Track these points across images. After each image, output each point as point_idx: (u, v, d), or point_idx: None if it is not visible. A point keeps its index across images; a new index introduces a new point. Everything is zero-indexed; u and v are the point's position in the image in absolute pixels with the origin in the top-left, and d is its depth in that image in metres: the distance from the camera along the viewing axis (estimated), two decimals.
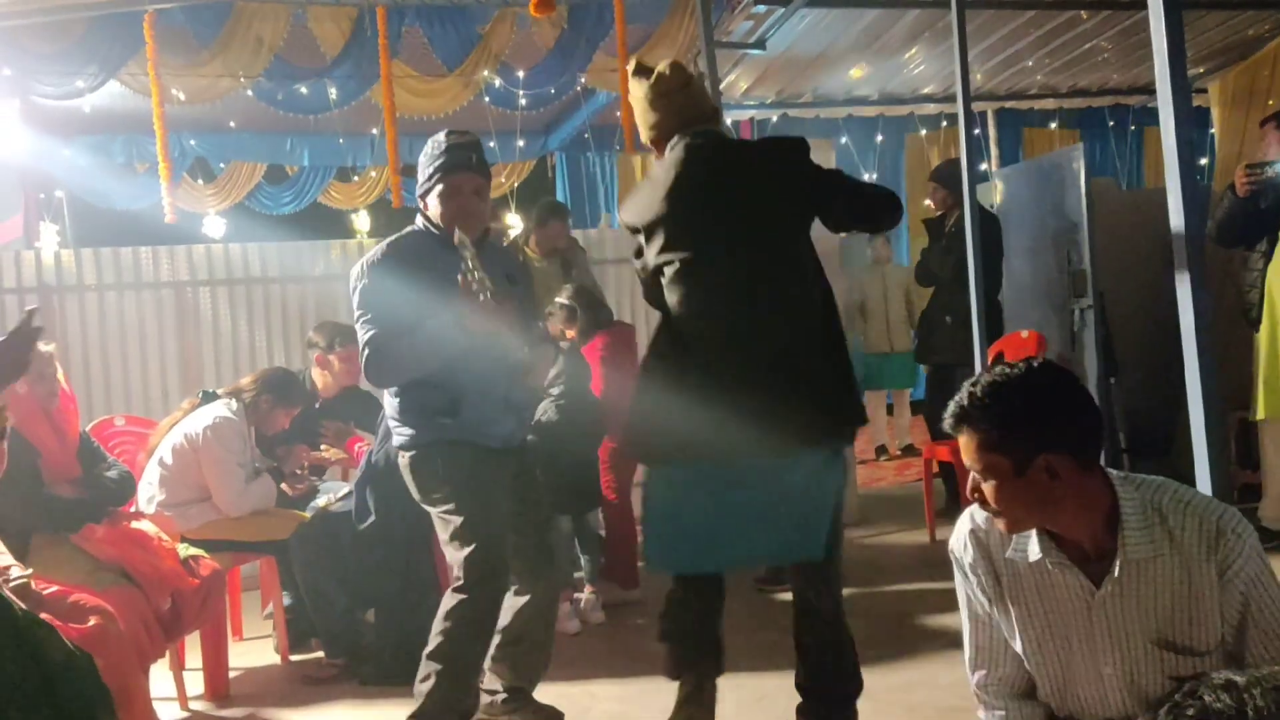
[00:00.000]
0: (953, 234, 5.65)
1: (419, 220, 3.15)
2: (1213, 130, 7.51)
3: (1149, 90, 8.45)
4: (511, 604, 3.21)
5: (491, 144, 8.47)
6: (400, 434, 3.11)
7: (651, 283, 2.79)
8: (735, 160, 2.79)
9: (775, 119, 9.03)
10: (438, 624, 3.02)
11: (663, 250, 2.70)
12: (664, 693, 3.57)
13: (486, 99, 7.15)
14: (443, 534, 3.06)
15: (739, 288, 2.61)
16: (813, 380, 2.59)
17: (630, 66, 2.91)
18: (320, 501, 4.32)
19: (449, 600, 3.03)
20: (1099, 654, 1.78)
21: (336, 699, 3.78)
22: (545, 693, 3.64)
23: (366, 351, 2.98)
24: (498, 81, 6.99)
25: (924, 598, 4.37)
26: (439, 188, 3.04)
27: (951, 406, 1.77)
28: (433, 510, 3.09)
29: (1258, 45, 7.13)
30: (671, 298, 2.71)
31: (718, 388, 2.55)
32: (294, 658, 4.25)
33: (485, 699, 3.26)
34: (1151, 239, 5.84)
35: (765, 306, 2.60)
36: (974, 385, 1.76)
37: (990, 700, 1.93)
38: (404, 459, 3.11)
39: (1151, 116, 8.64)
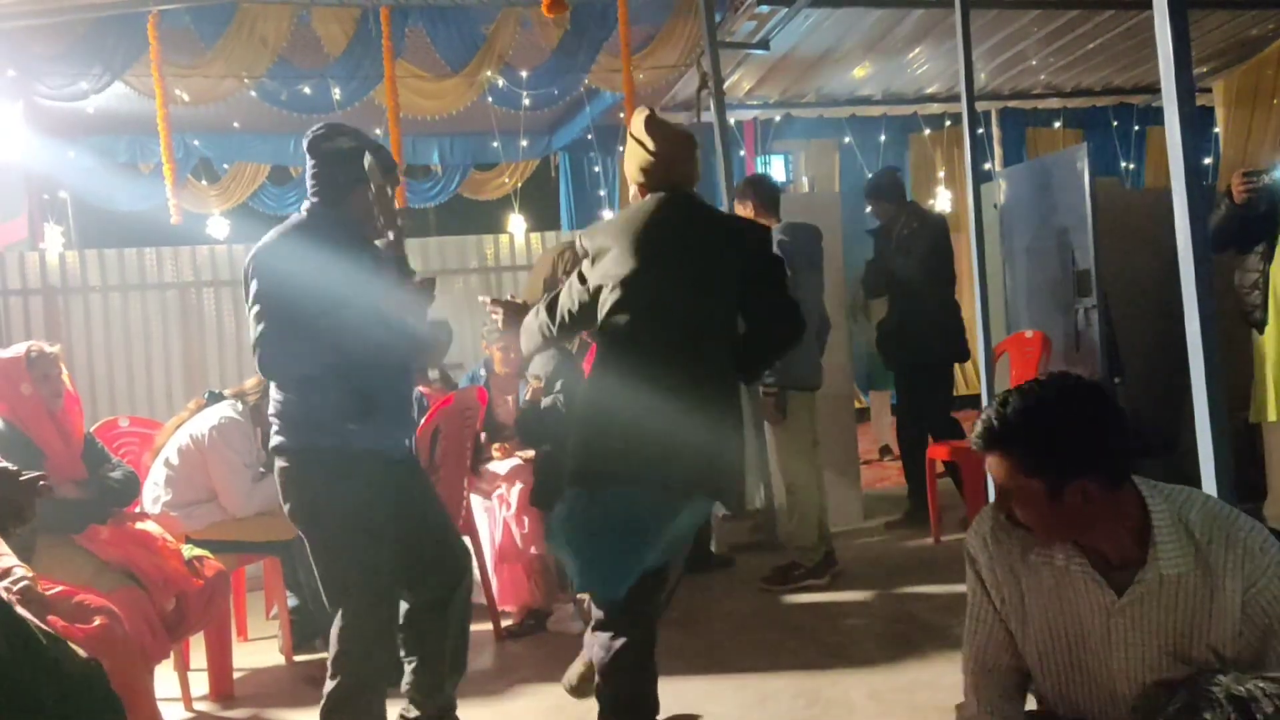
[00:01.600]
0: (901, 239, 5.68)
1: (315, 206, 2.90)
2: (1217, 129, 7.51)
3: (1152, 90, 8.44)
4: (414, 621, 3.02)
5: (495, 144, 8.48)
6: (283, 434, 2.82)
7: (587, 302, 2.84)
8: (706, 223, 2.89)
9: (778, 119, 9.03)
10: (332, 644, 2.87)
11: (609, 276, 2.77)
12: (667, 693, 3.56)
13: (490, 99, 7.16)
14: (316, 558, 2.87)
15: (671, 332, 2.73)
16: (703, 438, 2.68)
17: (645, 116, 2.95)
18: None
19: (335, 626, 2.87)
20: (1112, 660, 1.77)
21: None
22: (548, 694, 3.64)
23: (261, 346, 2.72)
24: (501, 82, 7.00)
25: (928, 599, 4.36)
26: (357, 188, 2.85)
27: (980, 426, 1.75)
28: (307, 530, 2.86)
29: (1262, 44, 7.13)
30: (606, 321, 2.78)
31: (632, 419, 2.65)
32: (299, 658, 4.26)
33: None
34: (1156, 239, 5.82)
35: (687, 357, 2.72)
36: (1004, 405, 1.73)
37: (981, 695, 1.93)
38: (282, 463, 2.83)
39: (1155, 116, 8.64)
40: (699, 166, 2.96)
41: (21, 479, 2.38)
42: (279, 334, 2.69)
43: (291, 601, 4.33)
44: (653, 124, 2.91)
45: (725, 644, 4.05)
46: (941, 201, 9.50)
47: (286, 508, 2.89)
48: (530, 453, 4.61)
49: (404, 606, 3.03)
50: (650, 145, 2.88)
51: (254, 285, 2.75)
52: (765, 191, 4.88)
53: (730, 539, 5.72)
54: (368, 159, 2.79)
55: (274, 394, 2.87)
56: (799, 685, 3.48)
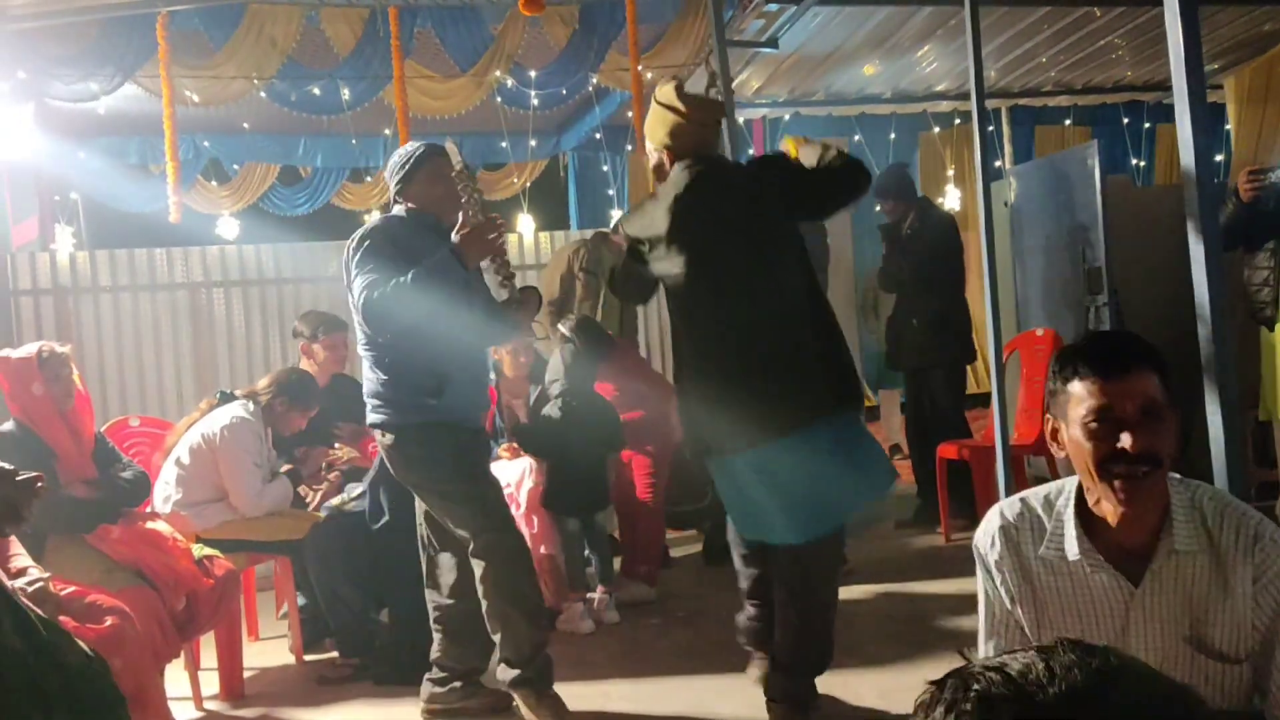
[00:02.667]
0: (908, 237, 5.65)
1: (400, 210, 3.39)
2: (1228, 126, 7.46)
3: (1163, 87, 8.40)
4: (450, 580, 3.36)
5: (504, 144, 8.48)
6: (379, 413, 3.24)
7: (646, 288, 3.27)
8: (733, 181, 3.14)
9: (787, 118, 9.01)
10: (479, 578, 3.22)
11: (667, 261, 3.06)
12: (678, 692, 3.57)
13: (499, 99, 7.16)
14: (435, 507, 3.27)
15: (737, 294, 2.99)
16: (806, 366, 2.96)
17: (672, 84, 3.14)
18: (334, 501, 4.33)
19: (475, 550, 3.21)
20: (1129, 651, 1.76)
21: (351, 699, 3.78)
22: (559, 693, 3.64)
23: (368, 293, 3.05)
24: (510, 81, 6.99)
25: (939, 597, 4.35)
26: (423, 171, 3.34)
27: (1106, 348, 1.70)
28: (422, 494, 3.29)
29: (1273, 41, 7.09)
30: (676, 304, 3.14)
31: (728, 384, 2.98)
32: (309, 657, 4.26)
33: (436, 688, 3.36)
34: (1167, 237, 5.80)
35: (759, 308, 2.98)
36: (1115, 334, 1.71)
37: None
38: (385, 439, 3.25)
39: (1165, 113, 8.59)
40: (720, 136, 3.27)
41: (19, 479, 2.39)
42: (391, 284, 3.06)
43: (301, 601, 4.34)
44: (683, 91, 3.10)
45: (737, 644, 4.04)
46: (951, 199, 9.47)
47: (400, 478, 3.33)
48: None
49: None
50: (683, 108, 3.06)
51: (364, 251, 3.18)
52: None
53: None
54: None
55: (366, 375, 3.29)
56: None
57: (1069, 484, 1.81)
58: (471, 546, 3.24)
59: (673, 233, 3.01)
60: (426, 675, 3.38)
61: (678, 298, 3.11)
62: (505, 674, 3.24)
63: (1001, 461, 4.21)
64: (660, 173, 3.17)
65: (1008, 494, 4.18)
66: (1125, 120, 9.27)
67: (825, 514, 3.02)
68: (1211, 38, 6.98)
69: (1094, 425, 1.65)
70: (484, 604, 3.24)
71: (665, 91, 3.11)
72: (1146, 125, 9.27)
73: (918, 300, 5.65)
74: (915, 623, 4.12)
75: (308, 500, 4.41)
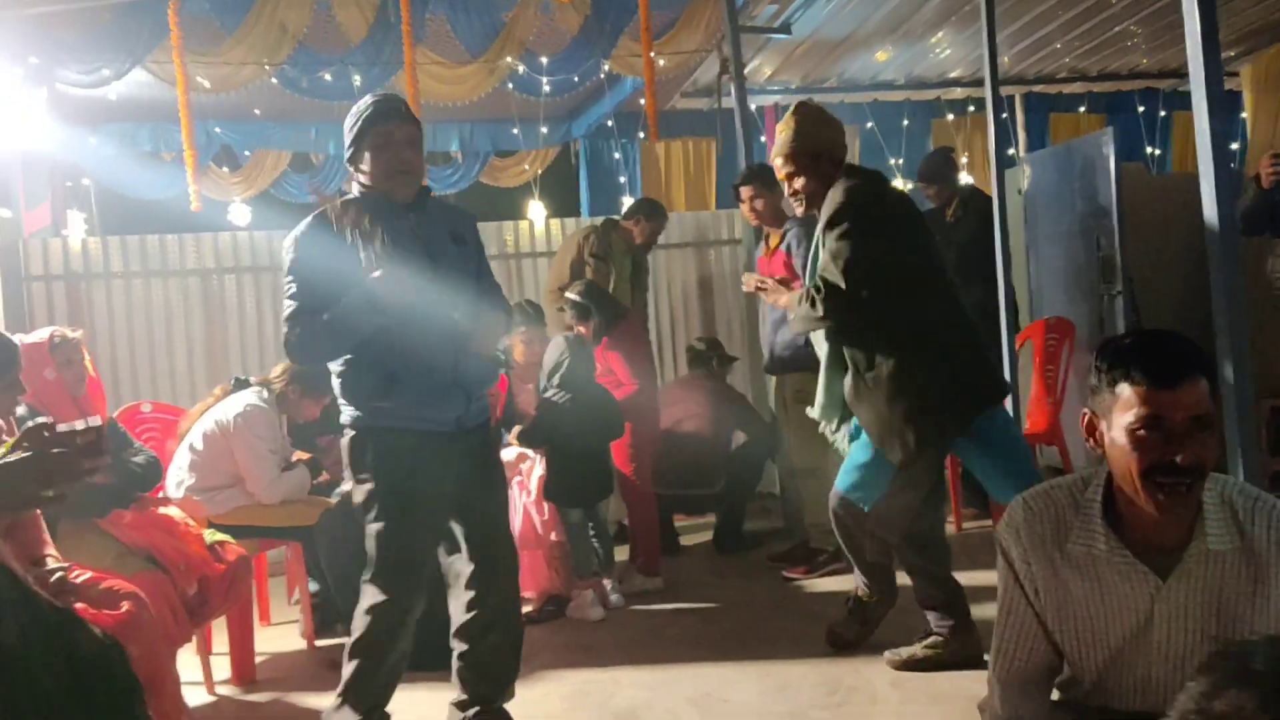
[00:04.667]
0: (951, 224, 5.58)
1: (354, 188, 2.92)
2: (1244, 114, 7.40)
3: (1179, 74, 8.33)
4: (464, 599, 3.00)
5: (515, 130, 8.46)
6: (344, 410, 2.93)
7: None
8: None
9: None
10: (358, 616, 2.91)
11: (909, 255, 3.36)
12: (687, 679, 3.57)
13: (510, 85, 7.14)
14: (365, 522, 2.90)
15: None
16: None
17: (802, 103, 3.52)
18: (346, 487, 4.33)
19: (366, 593, 2.90)
20: (1152, 648, 1.74)
21: None
22: (566, 680, 3.65)
23: (285, 329, 2.81)
24: (521, 68, 6.97)
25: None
26: (369, 139, 2.82)
27: (1159, 354, 1.63)
28: (358, 496, 2.92)
29: None
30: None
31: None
32: (320, 642, 4.27)
33: (454, 714, 3.03)
34: (1182, 225, 5.76)
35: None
36: (1167, 337, 1.66)
37: (1006, 686, 1.90)
38: (345, 437, 2.94)
39: (1181, 101, 8.52)
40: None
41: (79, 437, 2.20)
42: (301, 328, 2.80)
43: (313, 586, 4.35)
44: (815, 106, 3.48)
45: (747, 631, 4.04)
46: None
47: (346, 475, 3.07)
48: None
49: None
50: (829, 124, 3.42)
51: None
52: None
53: (752, 524, 5.72)
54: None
55: (333, 373, 2.95)
56: (821, 673, 3.46)
57: (1095, 477, 1.78)
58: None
59: (907, 227, 3.37)
60: (450, 700, 3.09)
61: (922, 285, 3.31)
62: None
63: None
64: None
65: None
66: (1141, 108, 9.19)
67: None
68: (1228, 24, 6.92)
69: (1142, 434, 1.61)
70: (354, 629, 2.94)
71: (809, 109, 3.47)
72: (1162, 113, 9.19)
73: (961, 287, 5.55)
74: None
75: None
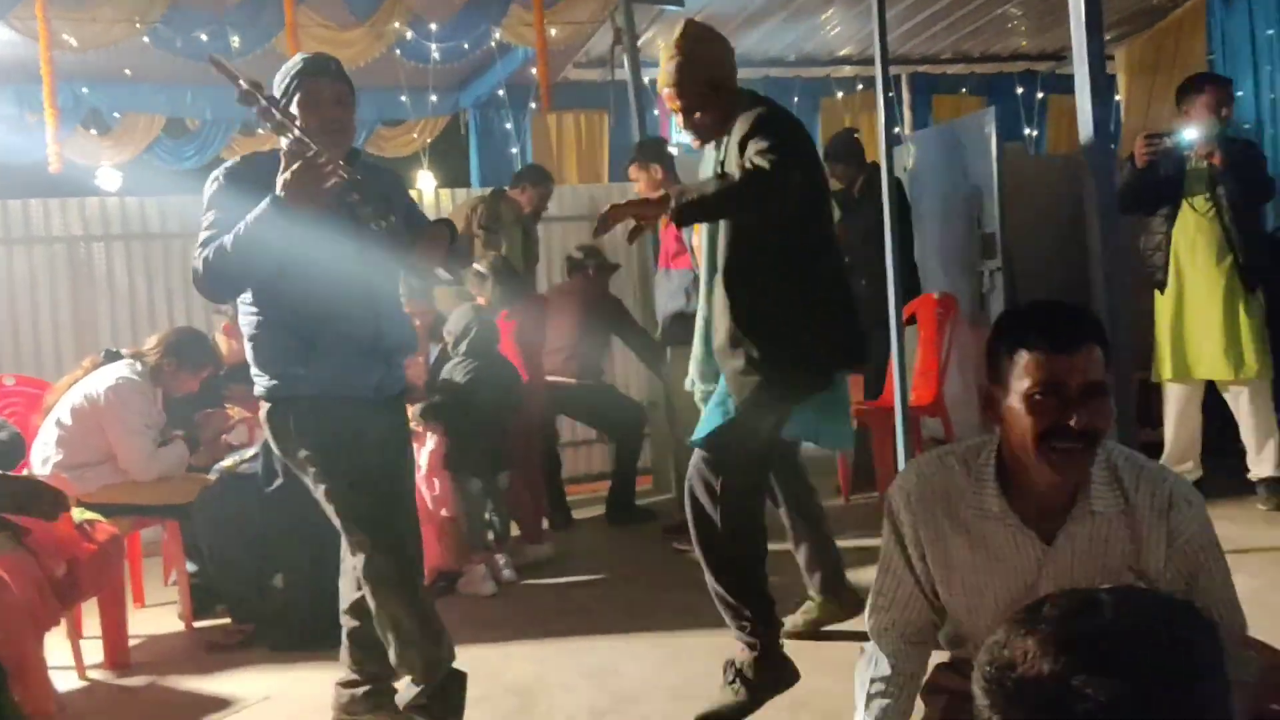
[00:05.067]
0: (859, 200, 5.68)
1: (285, 144, 2.71)
2: (1118, 97, 7.67)
3: (1057, 56, 8.60)
4: (355, 575, 2.84)
5: (403, 98, 8.26)
6: (256, 380, 2.79)
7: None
8: None
9: None
10: (367, 598, 2.76)
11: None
12: (580, 652, 3.56)
13: (398, 52, 6.95)
14: (317, 495, 2.79)
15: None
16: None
17: (686, 22, 3.05)
18: (226, 463, 4.19)
19: (358, 570, 2.76)
20: None
21: (244, 665, 3.68)
22: (461, 655, 3.57)
23: (196, 256, 2.66)
24: (409, 34, 6.80)
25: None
26: (298, 96, 2.71)
27: (1057, 321, 1.66)
28: (299, 471, 2.81)
29: (1162, 14, 7.30)
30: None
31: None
32: (199, 624, 4.14)
33: (342, 694, 2.93)
34: (1058, 204, 5.96)
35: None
36: (1064, 306, 1.70)
37: (884, 641, 1.94)
38: (262, 409, 2.82)
39: (1057, 83, 8.79)
40: None
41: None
42: (213, 248, 2.66)
43: (191, 567, 4.21)
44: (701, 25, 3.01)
45: (640, 603, 4.05)
46: None
47: (277, 453, 2.93)
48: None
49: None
50: (718, 42, 3.00)
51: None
52: (670, 158, 4.89)
53: (645, 495, 5.74)
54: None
55: (246, 343, 2.83)
56: (713, 643, 3.47)
57: (987, 444, 1.81)
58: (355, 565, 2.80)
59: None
60: (336, 680, 2.98)
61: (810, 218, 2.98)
62: (404, 693, 2.86)
63: (900, 422, 4.29)
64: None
65: (907, 455, 4.25)
66: (1020, 90, 9.45)
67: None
68: (1105, 9, 7.16)
69: (1039, 399, 1.64)
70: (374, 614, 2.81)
71: (688, 31, 3.00)
72: (1040, 95, 9.47)
73: (867, 263, 5.62)
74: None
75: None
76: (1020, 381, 1.66)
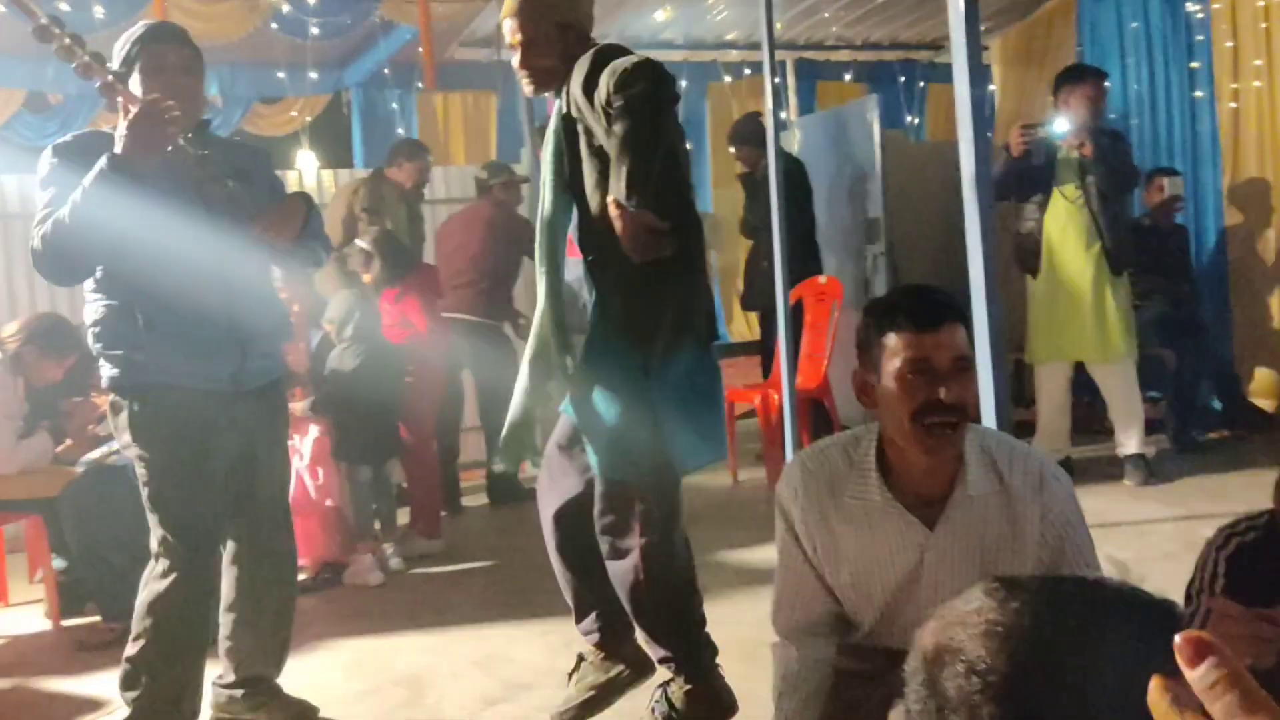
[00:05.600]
0: (762, 182, 5.72)
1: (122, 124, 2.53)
2: (992, 87, 7.89)
3: (936, 45, 8.81)
4: (234, 571, 2.76)
5: (281, 74, 8.01)
6: (102, 370, 2.63)
7: None
8: None
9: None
10: (138, 613, 2.63)
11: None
12: (470, 640, 3.52)
13: (275, 25, 6.73)
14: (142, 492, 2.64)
15: None
16: None
17: None
18: (94, 455, 4.00)
19: (150, 582, 2.63)
20: (922, 594, 1.83)
21: (114, 665, 3.51)
22: (344, 649, 3.52)
23: (34, 234, 2.48)
24: (286, 7, 6.58)
25: (728, 537, 4.45)
26: (139, 63, 2.54)
27: (920, 303, 1.74)
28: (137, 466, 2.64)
29: (1035, 6, 7.52)
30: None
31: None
32: (67, 623, 3.96)
33: (220, 694, 2.83)
34: (939, 190, 6.11)
35: None
36: (925, 288, 1.79)
37: (788, 635, 1.96)
38: (109, 399, 2.67)
39: (937, 73, 9.01)
40: None
41: None
42: (50, 222, 2.48)
43: (58, 563, 4.02)
44: None
45: (530, 589, 4.02)
46: None
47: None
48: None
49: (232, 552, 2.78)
50: None
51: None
52: None
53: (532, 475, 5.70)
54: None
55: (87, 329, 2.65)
56: None
57: (867, 434, 1.85)
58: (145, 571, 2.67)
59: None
60: (214, 679, 2.85)
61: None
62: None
63: (788, 405, 4.35)
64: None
65: (794, 437, 4.32)
66: (901, 78, 9.66)
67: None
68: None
69: (909, 376, 1.69)
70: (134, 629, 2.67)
71: None
72: (920, 84, 9.70)
73: (770, 244, 5.64)
74: (706, 562, 4.20)
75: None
76: (890, 362, 1.72)
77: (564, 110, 2.48)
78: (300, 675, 3.11)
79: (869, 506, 1.80)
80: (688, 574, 2.55)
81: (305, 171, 6.82)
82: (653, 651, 2.54)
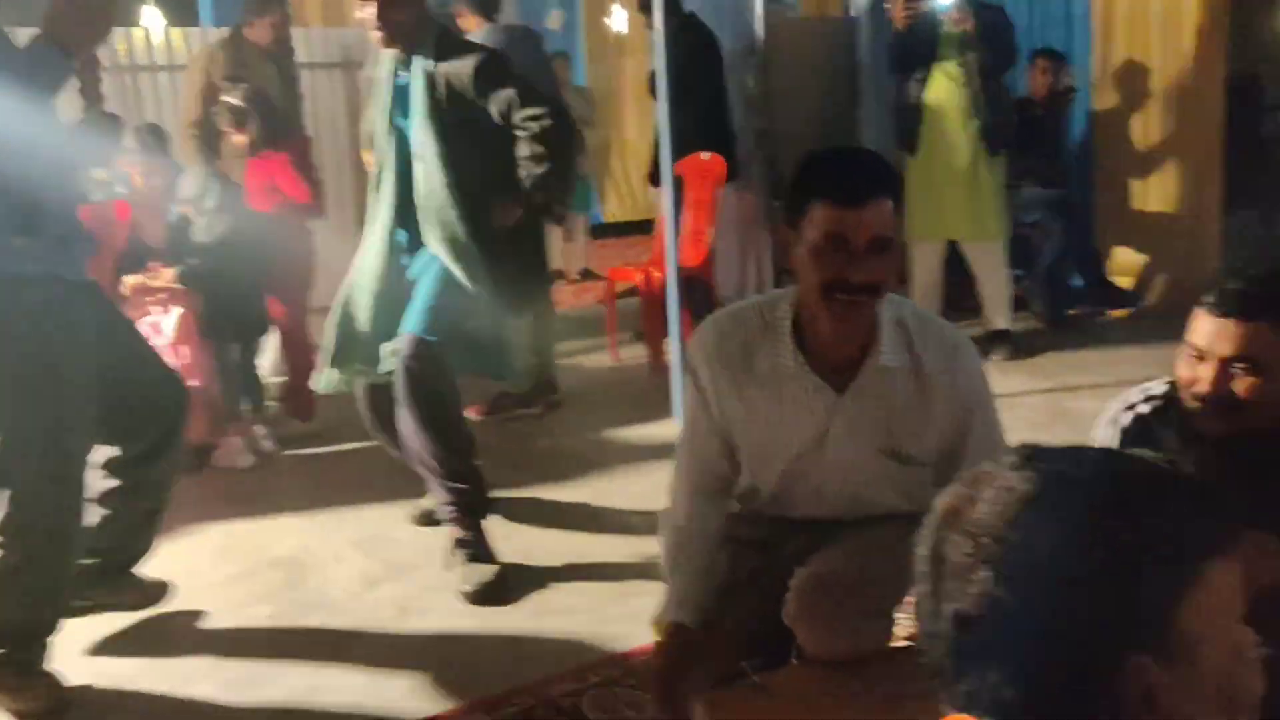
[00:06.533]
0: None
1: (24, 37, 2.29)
2: None
3: None
4: (119, 475, 2.60)
5: None
6: None
7: None
8: None
9: None
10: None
11: None
12: (349, 522, 3.44)
13: None
14: None
15: None
16: None
17: None
18: None
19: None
20: (826, 459, 1.83)
21: None
22: (214, 533, 3.40)
23: None
24: None
25: (611, 417, 4.42)
26: None
27: (849, 176, 1.68)
28: None
29: None
30: None
31: None
32: None
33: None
34: (819, 67, 6.06)
35: None
36: (860, 156, 1.81)
37: (686, 496, 1.95)
38: None
39: None
40: None
41: None
42: None
43: None
44: None
45: (410, 469, 3.93)
46: (619, 21, 9.38)
47: None
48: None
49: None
50: None
51: None
52: None
53: None
54: None
55: None
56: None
57: (784, 297, 1.83)
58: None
59: None
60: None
61: None
62: None
63: (671, 283, 4.30)
64: None
65: (677, 317, 4.28)
66: None
67: None
68: None
69: (825, 251, 1.66)
70: None
71: None
72: None
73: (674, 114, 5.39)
74: (589, 437, 4.19)
75: None
76: (810, 231, 1.69)
77: (430, 71, 2.91)
78: (166, 559, 2.98)
79: (780, 369, 1.79)
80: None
81: (152, 30, 6.31)
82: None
